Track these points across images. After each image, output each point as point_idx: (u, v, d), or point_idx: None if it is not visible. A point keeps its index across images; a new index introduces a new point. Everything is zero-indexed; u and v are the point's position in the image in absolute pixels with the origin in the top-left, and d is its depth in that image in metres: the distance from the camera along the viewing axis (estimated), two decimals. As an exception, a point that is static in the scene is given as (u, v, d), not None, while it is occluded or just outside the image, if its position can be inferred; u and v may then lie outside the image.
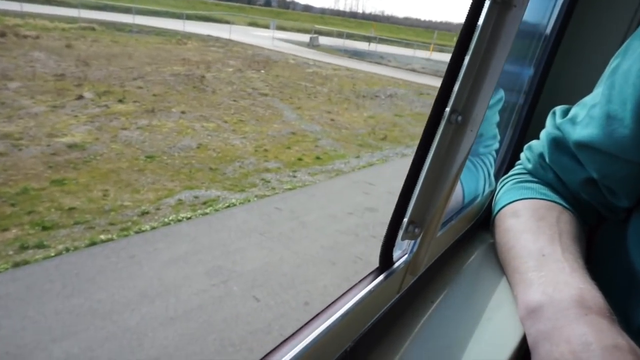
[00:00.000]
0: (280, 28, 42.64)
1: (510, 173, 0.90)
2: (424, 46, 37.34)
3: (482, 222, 0.93)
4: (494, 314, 0.66)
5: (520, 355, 0.61)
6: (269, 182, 5.82)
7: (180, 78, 12.72)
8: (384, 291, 0.56)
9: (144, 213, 4.55)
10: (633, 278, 0.63)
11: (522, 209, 0.77)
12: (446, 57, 31.99)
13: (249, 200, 5.02)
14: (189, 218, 4.45)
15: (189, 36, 25.38)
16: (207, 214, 4.59)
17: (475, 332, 0.62)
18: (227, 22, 36.71)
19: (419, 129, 10.41)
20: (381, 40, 38.06)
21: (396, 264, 0.58)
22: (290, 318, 3.12)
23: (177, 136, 7.42)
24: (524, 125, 1.06)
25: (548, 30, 1.01)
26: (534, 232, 0.70)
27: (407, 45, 37.57)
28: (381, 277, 0.55)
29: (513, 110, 1.05)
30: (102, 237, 3.91)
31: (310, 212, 4.82)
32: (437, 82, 13.71)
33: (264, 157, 6.90)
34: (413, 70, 23.29)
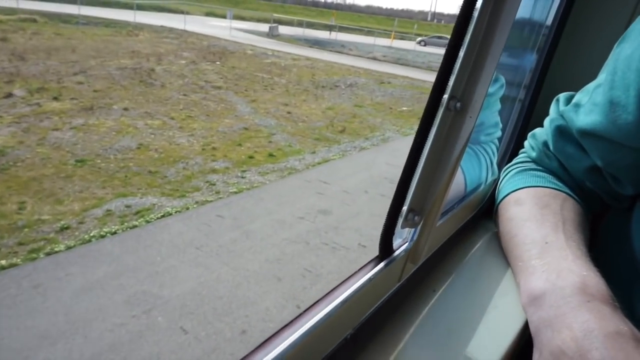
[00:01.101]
0: (239, 18, 41.56)
1: (513, 161, 0.90)
2: (386, 34, 37.14)
3: (485, 211, 0.93)
4: (497, 302, 0.67)
5: (523, 342, 0.61)
6: (214, 184, 5.31)
7: (127, 72, 11.90)
8: (384, 279, 0.56)
9: (64, 228, 3.97)
10: (637, 266, 0.63)
11: (526, 197, 0.77)
12: (407, 45, 31.99)
13: (188, 208, 4.51)
14: (115, 233, 3.91)
15: (141, 27, 24.28)
16: (136, 226, 4.05)
17: (477, 319, 0.63)
18: (184, 13, 35.48)
19: (379, 120, 10.07)
20: (342, 29, 37.61)
21: (396, 252, 0.58)
22: (223, 352, 2.66)
23: (115, 136, 6.77)
24: (527, 113, 1.04)
25: (550, 16, 0.98)
26: (537, 220, 0.70)
27: (369, 33, 37.28)
28: (381, 265, 0.55)
29: (515, 98, 1.03)
30: (3, 262, 3.33)
31: (256, 218, 4.35)
32: (398, 70, 13.51)
33: (211, 157, 6.37)
34: (374, 59, 22.99)
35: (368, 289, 0.52)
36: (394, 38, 35.17)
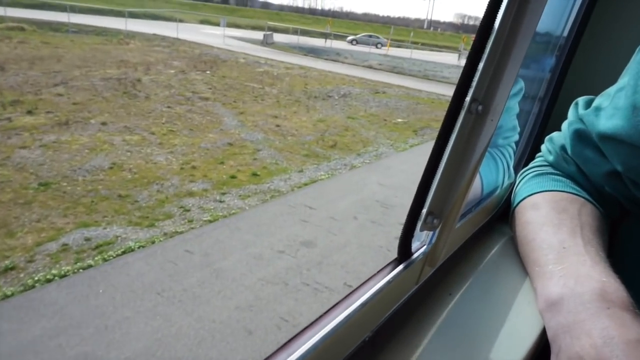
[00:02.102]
0: (234, 25, 41.28)
1: (530, 165, 0.89)
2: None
3: (500, 215, 0.92)
4: (513, 307, 0.66)
5: (540, 348, 0.61)
6: (188, 211, 4.84)
7: (111, 83, 11.45)
8: (402, 282, 0.57)
9: (8, 269, 3.49)
10: None
11: (543, 202, 0.76)
12: (403, 53, 31.67)
13: (154, 242, 4.03)
14: (65, 275, 3.42)
15: (133, 35, 23.94)
16: (91, 266, 3.57)
17: (494, 324, 0.62)
18: (180, 21, 35.18)
19: (372, 133, 9.63)
20: (338, 37, 37.36)
21: (415, 255, 0.58)
22: None
23: (87, 155, 6.29)
24: (544, 116, 1.03)
25: (571, 19, 0.96)
26: (554, 225, 0.69)
27: (365, 41, 36.99)
28: (400, 267, 0.56)
29: (533, 101, 1.02)
30: None
31: (230, 253, 3.87)
32: (394, 79, 13.06)
33: (189, 177, 5.90)
34: (370, 67, 22.65)
35: (386, 292, 0.52)
36: (390, 46, 34.89)
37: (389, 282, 0.52)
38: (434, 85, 18.32)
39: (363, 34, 38.82)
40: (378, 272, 0.55)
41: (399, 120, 11.33)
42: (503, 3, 0.45)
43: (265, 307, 3.23)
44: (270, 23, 40.15)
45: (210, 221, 4.53)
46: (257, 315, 3.14)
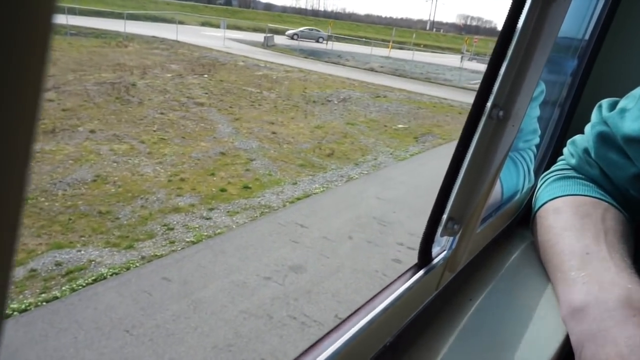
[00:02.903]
0: (235, 28, 41.06)
1: (552, 169, 0.89)
2: (384, 43, 36.61)
3: (521, 219, 0.92)
4: (535, 313, 0.66)
5: (563, 356, 0.60)
6: (172, 229, 4.53)
7: (105, 87, 11.17)
8: (422, 287, 0.56)
9: (-34, 301, 3.18)
10: None
11: (565, 206, 0.75)
12: (405, 55, 31.32)
13: (129, 267, 3.71)
14: (25, 310, 3.11)
15: (132, 38, 23.72)
16: (57, 298, 3.25)
17: (515, 331, 0.62)
18: (180, 23, 34.96)
19: (372, 140, 9.30)
20: (340, 39, 37.07)
21: (435, 260, 0.58)
22: None
23: (71, 166, 5.99)
24: (566, 119, 1.02)
25: (593, 20, 0.96)
26: (577, 230, 0.68)
27: (367, 42, 36.73)
28: (420, 273, 0.56)
29: (555, 104, 1.01)
30: None
31: (211, 281, 3.56)
32: (395, 83, 12.72)
33: (177, 190, 5.59)
34: (371, 70, 22.35)
35: (407, 297, 0.52)
36: (392, 48, 34.58)
37: (409, 288, 0.52)
38: (436, 89, 17.99)
39: (305, 28, 38.29)
40: (398, 277, 0.55)
41: (400, 126, 11.01)
42: (525, 7, 0.45)
43: (246, 347, 2.91)
44: (272, 25, 39.90)
45: (193, 242, 4.21)
46: (236, 356, 2.82)
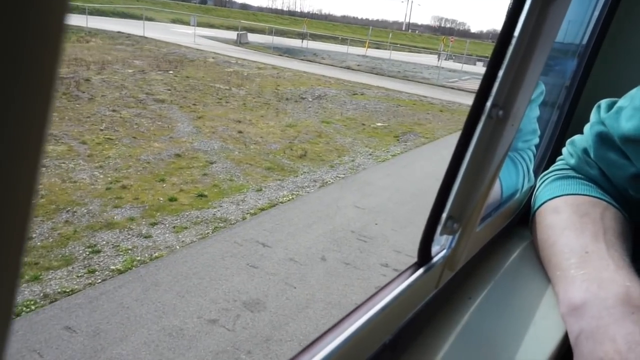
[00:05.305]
0: (208, 25, 39.81)
1: (551, 168, 0.89)
2: (360, 42, 35.99)
3: (520, 219, 0.92)
4: (534, 311, 0.66)
5: (562, 353, 0.61)
6: (97, 252, 3.57)
7: (52, 82, 10.03)
8: (422, 286, 0.56)
9: None
10: None
11: (564, 205, 0.76)
12: (382, 54, 30.68)
13: (20, 313, 2.74)
14: None
15: (96, 33, 22.45)
16: None
17: (515, 329, 0.63)
18: (150, 19, 33.62)
19: (349, 139, 8.46)
20: (316, 37, 36.27)
21: (434, 259, 0.58)
22: None
23: (-13, 171, 4.94)
24: (565, 119, 1.04)
25: (593, 21, 0.97)
26: (576, 229, 0.68)
27: (343, 41, 36.08)
28: (420, 271, 0.56)
29: (554, 105, 1.03)
30: None
31: (133, 329, 2.63)
32: (373, 80, 11.84)
33: (115, 201, 4.62)
34: (348, 68, 21.62)
35: (407, 296, 0.52)
36: (369, 47, 33.94)
37: (409, 286, 0.52)
38: (414, 87, 17.35)
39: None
40: (398, 275, 0.54)
41: (379, 124, 10.21)
42: (525, 7, 0.45)
43: None
44: (245, 22, 38.79)
45: (120, 271, 3.27)
46: None
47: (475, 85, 20.46)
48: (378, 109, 11.93)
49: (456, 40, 49.07)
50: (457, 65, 30.30)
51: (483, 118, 0.50)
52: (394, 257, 3.82)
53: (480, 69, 30.36)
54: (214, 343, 2.59)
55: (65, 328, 2.59)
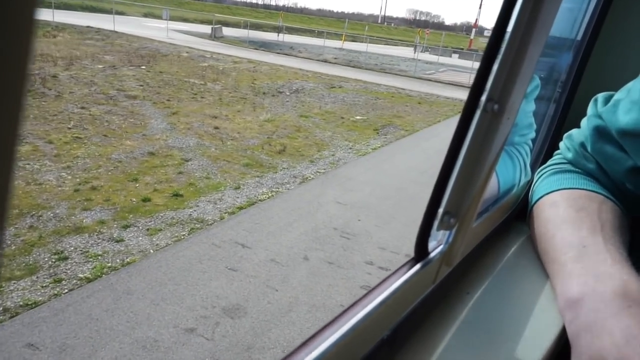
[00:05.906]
0: (181, 19, 38.99)
1: (548, 163, 0.88)
2: (337, 36, 35.76)
3: (518, 213, 0.92)
4: (532, 306, 0.66)
5: (560, 347, 0.60)
6: (64, 259, 3.34)
7: (17, 79, 9.56)
8: (419, 281, 0.57)
9: None
10: None
11: (561, 199, 0.75)
12: (359, 46, 30.56)
13: (-22, 329, 2.52)
14: None
15: (63, 27, 21.68)
16: None
17: (513, 323, 0.63)
18: (120, 13, 32.71)
19: (328, 133, 8.32)
20: (292, 30, 35.90)
21: (431, 254, 0.58)
22: None
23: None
24: (562, 113, 1.03)
25: (588, 14, 0.96)
26: (574, 223, 0.68)
27: (319, 35, 35.79)
28: (417, 267, 0.55)
29: (550, 98, 1.02)
30: None
31: (104, 343, 2.44)
32: (350, 73, 11.70)
33: (84, 203, 4.37)
34: (325, 61, 21.45)
35: (404, 291, 0.52)
36: (345, 40, 33.75)
37: (406, 282, 0.52)
38: (392, 79, 17.30)
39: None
40: (395, 271, 0.54)
41: (358, 117, 10.09)
42: (518, 1, 0.44)
43: None
44: (220, 16, 38.12)
45: (89, 279, 3.05)
46: None
47: (452, 77, 20.54)
48: (356, 102, 11.81)
49: (432, 32, 49.33)
50: (433, 58, 30.43)
51: (478, 112, 0.49)
52: (379, 254, 3.70)
53: (456, 60, 30.57)
54: (192, 354, 2.42)
55: (28, 345, 2.37)
